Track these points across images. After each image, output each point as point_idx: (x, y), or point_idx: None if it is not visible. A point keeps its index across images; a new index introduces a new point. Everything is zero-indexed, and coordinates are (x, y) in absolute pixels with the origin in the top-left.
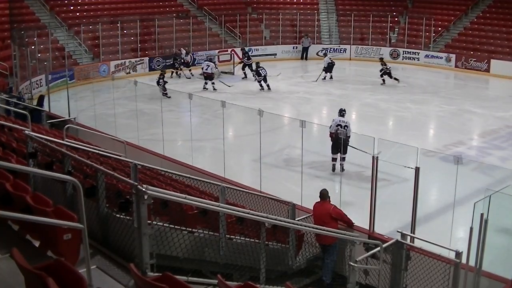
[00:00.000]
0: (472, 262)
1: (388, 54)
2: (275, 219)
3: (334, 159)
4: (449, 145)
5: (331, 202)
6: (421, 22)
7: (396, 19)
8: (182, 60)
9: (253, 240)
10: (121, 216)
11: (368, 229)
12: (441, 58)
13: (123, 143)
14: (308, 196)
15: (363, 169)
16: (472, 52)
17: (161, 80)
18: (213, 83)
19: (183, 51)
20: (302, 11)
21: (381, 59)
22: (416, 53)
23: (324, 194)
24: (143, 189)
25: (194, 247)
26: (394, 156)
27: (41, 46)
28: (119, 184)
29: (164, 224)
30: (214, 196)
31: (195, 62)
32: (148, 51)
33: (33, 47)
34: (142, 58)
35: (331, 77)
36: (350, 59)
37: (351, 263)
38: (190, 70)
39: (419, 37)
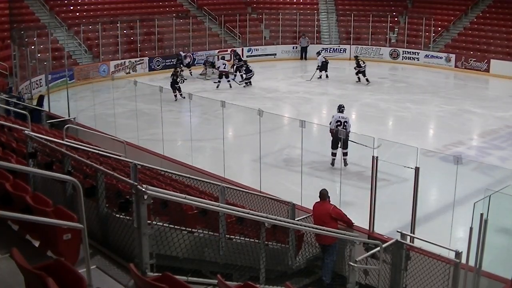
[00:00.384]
0: (472, 262)
1: (388, 54)
2: (275, 219)
3: (334, 154)
4: (449, 145)
5: (330, 202)
6: (421, 22)
7: (396, 19)
8: (182, 63)
9: (253, 240)
10: (121, 216)
11: (368, 229)
12: (441, 58)
13: (123, 143)
14: (308, 196)
15: (363, 169)
16: (472, 52)
17: (178, 79)
18: (228, 81)
19: (183, 54)
20: (302, 11)
21: (356, 57)
22: (416, 53)
23: (323, 194)
24: (143, 189)
25: (194, 247)
26: (394, 156)
27: (41, 46)
28: (119, 184)
29: (164, 224)
30: (214, 196)
31: (195, 62)
32: (147, 51)
33: (33, 47)
34: (142, 58)
35: (326, 76)
36: (350, 59)
37: (351, 263)
38: (191, 72)
39: (419, 37)
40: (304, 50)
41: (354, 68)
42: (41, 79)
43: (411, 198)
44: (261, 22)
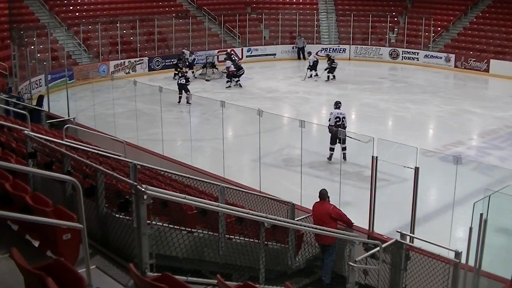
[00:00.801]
0: (471, 262)
1: (387, 54)
2: (275, 219)
3: (332, 149)
4: (449, 145)
5: (330, 202)
6: (420, 22)
7: (395, 19)
8: (187, 62)
9: (252, 240)
10: (121, 216)
11: (367, 229)
12: (441, 58)
13: (122, 143)
14: (308, 196)
15: (363, 169)
16: (471, 52)
17: (182, 79)
18: (238, 80)
19: (187, 52)
20: (301, 11)
21: (328, 55)
22: (416, 53)
23: (323, 194)
24: (143, 189)
25: (194, 247)
26: (393, 156)
27: (41, 46)
28: (118, 184)
29: (164, 224)
30: (213, 196)
31: (195, 62)
32: (147, 51)
33: (32, 47)
34: (142, 58)
35: (316, 75)
36: (349, 59)
37: (351, 263)
38: (193, 72)
39: (418, 37)
40: (300, 50)
41: (326, 69)
42: (40, 79)
43: (410, 198)
44: (260, 22)
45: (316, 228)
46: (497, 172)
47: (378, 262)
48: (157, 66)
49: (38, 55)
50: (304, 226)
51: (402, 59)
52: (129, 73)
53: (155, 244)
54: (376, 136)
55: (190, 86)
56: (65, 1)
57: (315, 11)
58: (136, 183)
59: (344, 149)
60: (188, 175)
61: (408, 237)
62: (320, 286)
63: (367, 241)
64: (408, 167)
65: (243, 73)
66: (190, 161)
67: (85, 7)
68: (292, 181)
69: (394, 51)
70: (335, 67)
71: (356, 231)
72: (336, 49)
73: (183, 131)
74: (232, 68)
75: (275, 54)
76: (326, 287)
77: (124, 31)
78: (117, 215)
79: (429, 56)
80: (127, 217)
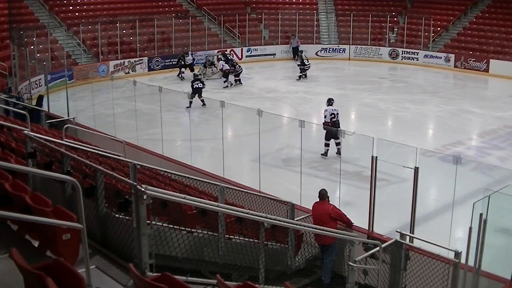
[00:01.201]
0: (471, 262)
1: (387, 54)
2: (274, 219)
3: (328, 145)
4: (448, 145)
5: (330, 202)
6: (420, 22)
7: (395, 19)
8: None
9: (252, 240)
10: (120, 216)
11: (367, 229)
12: (440, 58)
13: (122, 143)
14: (307, 196)
15: (362, 169)
16: (471, 52)
17: (199, 83)
18: (237, 79)
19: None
20: (301, 11)
21: (301, 54)
22: (415, 53)
23: (323, 194)
24: (142, 189)
25: (193, 247)
26: (393, 156)
27: (40, 46)
28: (118, 184)
29: (163, 224)
30: (213, 196)
31: (195, 62)
32: (147, 51)
33: (32, 47)
34: (141, 58)
35: (306, 76)
36: (349, 59)
37: (350, 263)
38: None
39: (418, 37)
40: (294, 50)
41: (298, 65)
42: (40, 79)
43: (410, 198)
44: (260, 22)
45: (315, 228)
46: (497, 172)
47: (377, 262)
48: (157, 66)
49: (38, 55)
50: (304, 226)
51: (401, 59)
52: (128, 73)
53: (154, 244)
54: (375, 136)
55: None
56: (65, 1)
57: (314, 11)
58: (135, 183)
59: (338, 144)
60: (187, 175)
61: (407, 237)
62: (320, 286)
63: (366, 241)
64: (408, 167)
65: (241, 71)
66: (190, 161)
67: (85, 7)
68: (291, 181)
69: (393, 51)
70: (307, 68)
71: (356, 231)
72: (335, 49)
73: (182, 131)
74: (226, 67)
75: (274, 54)
76: (325, 287)
77: (124, 31)
78: (116, 215)
79: (428, 56)
80: (127, 217)
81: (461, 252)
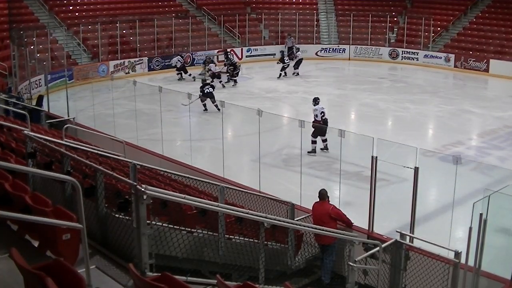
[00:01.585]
0: (471, 262)
1: (387, 54)
2: (274, 219)
3: (315, 142)
4: (448, 145)
5: (330, 202)
6: (420, 22)
7: (395, 19)
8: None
9: (252, 240)
10: (120, 216)
11: (367, 229)
12: (440, 58)
13: (122, 143)
14: (307, 196)
15: (362, 169)
16: (471, 52)
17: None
18: (220, 81)
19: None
20: (301, 11)
21: (282, 53)
22: (415, 53)
23: (323, 194)
24: (142, 189)
25: (193, 247)
26: (393, 156)
27: (40, 46)
28: (118, 184)
29: (163, 224)
30: (213, 196)
31: (194, 62)
32: (147, 51)
33: (32, 47)
34: (141, 58)
35: (285, 74)
36: (349, 59)
37: (350, 263)
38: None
39: (418, 37)
40: (290, 50)
41: (278, 62)
42: (40, 79)
43: (410, 198)
44: (260, 22)
45: (315, 228)
46: (497, 172)
47: (377, 262)
48: (157, 66)
49: (38, 55)
50: (304, 226)
51: (401, 59)
52: (128, 73)
53: (154, 244)
54: (375, 136)
55: (190, 86)
56: (65, 1)
57: (314, 11)
58: (135, 183)
59: (325, 140)
60: (187, 175)
61: (407, 237)
62: (320, 286)
63: (366, 241)
64: (408, 167)
65: (239, 71)
66: (190, 161)
67: (84, 7)
68: (291, 181)
69: (393, 51)
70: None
71: (356, 231)
72: (335, 49)
73: (182, 131)
74: (217, 69)
75: (274, 54)
76: (325, 287)
77: (124, 31)
78: (116, 215)
79: (428, 56)
80: (127, 217)
81: (461, 252)
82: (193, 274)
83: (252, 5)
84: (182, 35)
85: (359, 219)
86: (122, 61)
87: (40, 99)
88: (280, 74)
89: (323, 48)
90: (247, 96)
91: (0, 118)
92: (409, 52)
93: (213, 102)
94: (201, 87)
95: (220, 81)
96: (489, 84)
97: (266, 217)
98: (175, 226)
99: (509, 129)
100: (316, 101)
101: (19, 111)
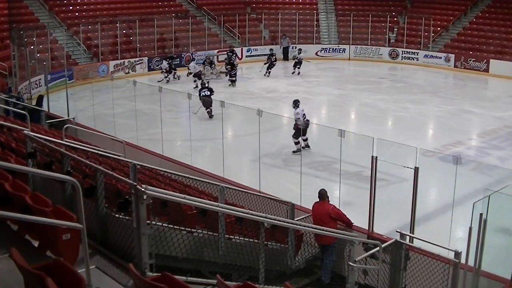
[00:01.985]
0: (471, 262)
1: (387, 54)
2: (274, 219)
3: (297, 143)
4: (448, 145)
5: (330, 202)
6: (420, 22)
7: (395, 19)
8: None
9: (252, 240)
10: (120, 216)
11: (367, 229)
12: (440, 58)
13: (122, 143)
14: (307, 196)
15: (362, 169)
16: (471, 52)
17: (206, 91)
18: (195, 81)
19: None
20: (301, 11)
21: (271, 50)
22: (415, 53)
23: (323, 194)
24: (142, 189)
25: (193, 247)
26: (393, 156)
27: (40, 46)
28: (118, 184)
29: (163, 224)
30: (213, 196)
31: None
32: (147, 51)
33: (32, 47)
34: (141, 58)
35: (298, 73)
36: (349, 59)
37: (350, 263)
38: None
39: (418, 37)
40: (285, 50)
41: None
42: (40, 79)
43: (410, 198)
44: (260, 22)
45: (315, 228)
46: (497, 172)
47: (377, 262)
48: (157, 66)
49: (38, 55)
50: (304, 226)
51: (401, 59)
52: (128, 73)
53: (154, 244)
54: (375, 136)
55: (189, 86)
56: (65, 1)
57: (314, 11)
58: (135, 183)
59: (306, 139)
60: (187, 175)
61: (407, 237)
62: (320, 286)
63: (366, 241)
64: (408, 167)
65: (236, 72)
66: (190, 161)
67: (85, 7)
68: (291, 181)
69: (393, 51)
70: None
71: (356, 231)
72: (335, 49)
73: (182, 131)
74: (197, 69)
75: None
76: (325, 287)
77: (124, 31)
78: (116, 215)
79: (428, 56)
80: (127, 217)
81: (461, 252)
82: (193, 274)
83: (252, 5)
84: (182, 35)
85: (359, 219)
86: (122, 61)
87: (40, 99)
88: (268, 73)
89: (323, 48)
90: (247, 96)
91: (0, 118)
92: (409, 52)
93: (209, 107)
94: (199, 90)
95: (195, 81)
96: (489, 84)
97: (266, 217)
98: (175, 226)
99: (509, 129)
100: (296, 103)
101: (19, 111)
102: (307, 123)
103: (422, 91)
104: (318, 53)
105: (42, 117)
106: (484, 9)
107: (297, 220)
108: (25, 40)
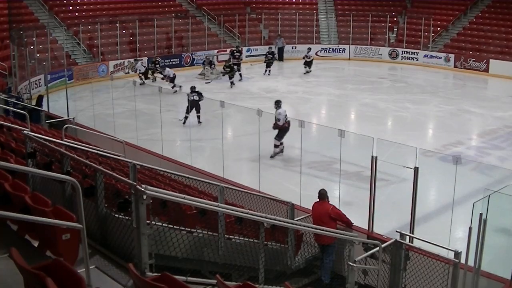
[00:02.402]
0: (471, 262)
1: (387, 54)
2: (274, 219)
3: (282, 143)
4: (448, 145)
5: (330, 202)
6: (420, 22)
7: (395, 19)
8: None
9: (252, 240)
10: (120, 216)
11: (367, 229)
12: (440, 58)
13: (122, 143)
14: (307, 196)
15: (362, 169)
16: (471, 52)
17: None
18: (173, 86)
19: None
20: (301, 11)
21: (269, 51)
22: (415, 53)
23: (323, 194)
24: (142, 189)
25: (193, 247)
26: (393, 156)
27: (40, 46)
28: (118, 184)
29: (163, 224)
30: (213, 196)
31: (194, 62)
32: (147, 51)
33: (32, 47)
34: (141, 58)
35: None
36: (349, 59)
37: (350, 263)
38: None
39: (418, 37)
40: (280, 51)
41: (264, 61)
42: (40, 79)
43: (410, 198)
44: (260, 22)
45: (315, 228)
46: (497, 172)
47: (377, 262)
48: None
49: (38, 55)
50: (304, 226)
51: (401, 59)
52: (128, 73)
53: (154, 244)
54: (375, 136)
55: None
56: (65, 1)
57: (314, 11)
58: (135, 183)
59: (282, 143)
60: (187, 175)
61: (407, 237)
62: (320, 286)
63: (366, 241)
64: (408, 167)
65: (234, 74)
66: (190, 161)
67: (84, 7)
68: (291, 181)
69: (393, 51)
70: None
71: (356, 231)
72: (335, 49)
73: (182, 131)
74: (171, 73)
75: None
76: (325, 287)
77: (124, 31)
78: (116, 215)
79: (428, 56)
80: (127, 217)
81: (461, 252)
82: (193, 274)
83: (252, 5)
84: (182, 35)
85: (359, 219)
86: (121, 61)
87: (40, 99)
88: (266, 71)
89: (323, 48)
90: (247, 96)
91: (0, 118)
92: (409, 52)
93: (197, 112)
94: (188, 94)
95: (173, 86)
96: (489, 84)
97: (266, 217)
98: (175, 226)
99: (509, 129)
100: (278, 104)
101: (19, 111)
102: (288, 124)
103: (422, 91)
104: (318, 53)
105: (42, 117)
106: (484, 9)
107: (297, 220)
108: (25, 40)
